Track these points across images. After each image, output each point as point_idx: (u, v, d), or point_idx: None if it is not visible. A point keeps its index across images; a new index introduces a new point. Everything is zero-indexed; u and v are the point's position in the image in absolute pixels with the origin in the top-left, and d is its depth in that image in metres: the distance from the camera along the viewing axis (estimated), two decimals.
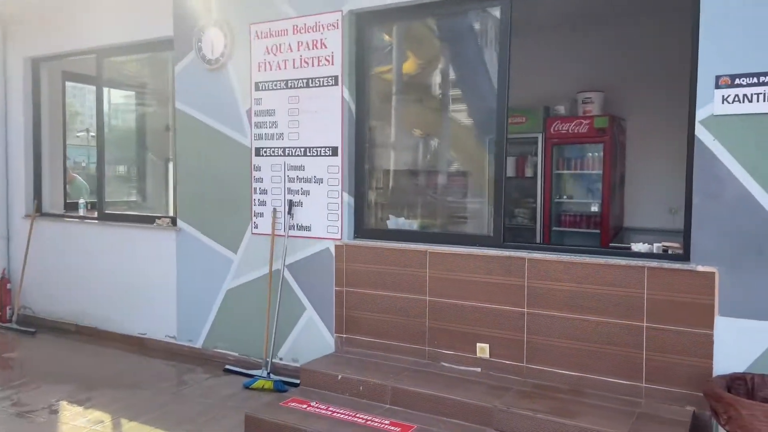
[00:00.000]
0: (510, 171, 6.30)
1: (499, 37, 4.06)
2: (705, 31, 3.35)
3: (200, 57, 5.20)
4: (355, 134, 4.63)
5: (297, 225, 4.83)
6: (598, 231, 6.10)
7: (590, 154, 6.20)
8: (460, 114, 5.04)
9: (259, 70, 4.95)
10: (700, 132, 3.38)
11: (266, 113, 4.93)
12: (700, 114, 3.38)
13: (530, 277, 3.88)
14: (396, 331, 4.40)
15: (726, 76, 3.29)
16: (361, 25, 4.59)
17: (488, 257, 4.03)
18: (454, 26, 4.62)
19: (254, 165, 5.01)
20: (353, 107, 4.61)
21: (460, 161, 4.86)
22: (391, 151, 5.08)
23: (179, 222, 5.47)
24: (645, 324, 3.55)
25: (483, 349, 4.06)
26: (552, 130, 6.27)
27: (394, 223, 4.79)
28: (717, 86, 3.31)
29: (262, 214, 5.00)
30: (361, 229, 4.67)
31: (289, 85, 4.80)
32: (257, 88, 4.97)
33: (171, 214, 5.73)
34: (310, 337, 4.79)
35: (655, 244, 3.74)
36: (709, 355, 3.39)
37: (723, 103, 3.30)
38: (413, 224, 4.73)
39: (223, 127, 5.16)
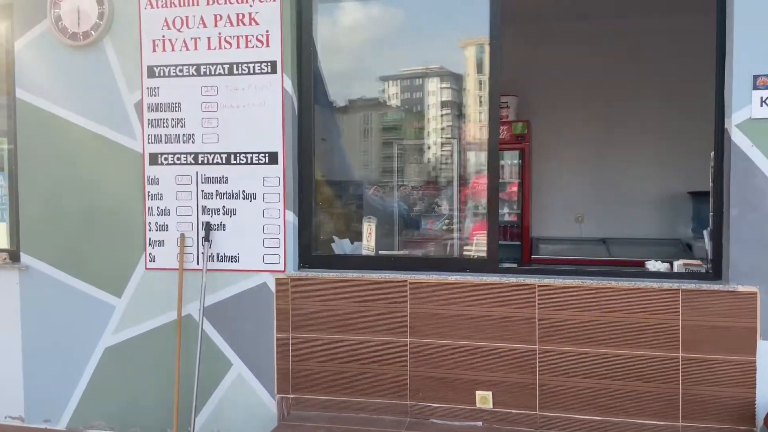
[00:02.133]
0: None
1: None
2: (740, 27, 3.04)
3: (58, 29, 3.76)
4: (300, 136, 3.63)
5: (218, 255, 3.66)
6: (518, 243, 5.76)
7: (508, 162, 5.86)
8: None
9: (154, 51, 3.69)
10: (737, 137, 3.07)
11: (167, 108, 3.69)
12: (736, 118, 3.06)
13: (542, 308, 3.27)
14: (365, 385, 3.49)
15: (765, 76, 3.01)
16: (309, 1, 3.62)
17: (486, 286, 3.34)
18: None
19: (149, 176, 3.73)
20: (296, 102, 3.61)
21: (437, 169, 4.10)
22: (346, 158, 4.14)
23: (24, 257, 3.92)
24: (680, 354, 3.14)
25: (484, 398, 3.35)
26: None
27: (342, 247, 3.87)
28: (755, 87, 3.03)
29: (161, 242, 3.73)
30: (309, 257, 3.67)
31: (203, 71, 3.64)
32: (152, 74, 3.70)
33: (8, 246, 4.11)
34: (240, 401, 3.65)
35: (675, 262, 3.37)
36: (752, 384, 3.07)
37: (762, 105, 3.02)
38: (370, 248, 3.86)
39: (97, 126, 3.78)
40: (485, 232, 3.47)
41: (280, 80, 3.55)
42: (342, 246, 3.87)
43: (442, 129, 4.53)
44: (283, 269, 3.59)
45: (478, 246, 3.64)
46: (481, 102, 4.34)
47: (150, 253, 3.75)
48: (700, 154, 3.90)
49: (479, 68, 4.01)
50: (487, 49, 3.41)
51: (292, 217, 3.59)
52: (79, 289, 3.85)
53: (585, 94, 6.31)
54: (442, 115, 4.52)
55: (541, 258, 5.55)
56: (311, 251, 3.69)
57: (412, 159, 3.90)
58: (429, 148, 4.35)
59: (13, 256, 3.99)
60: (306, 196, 3.65)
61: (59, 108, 3.83)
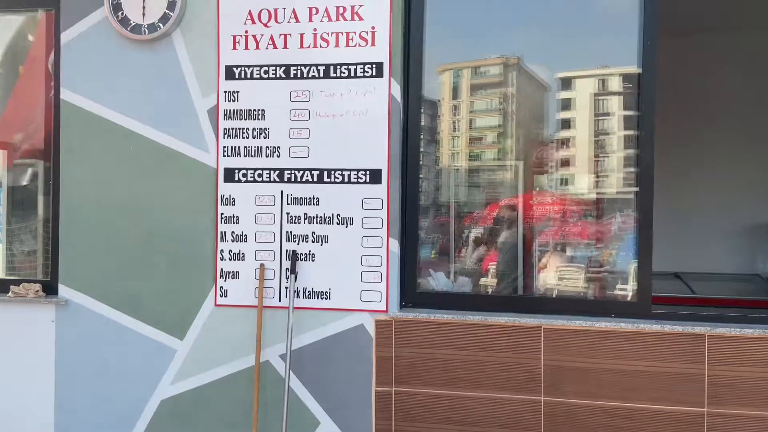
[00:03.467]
0: None
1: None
2: None
3: (118, 20, 3.19)
4: (408, 151, 3.08)
5: (304, 290, 3.07)
6: None
7: None
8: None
9: (235, 48, 3.13)
10: None
11: (248, 115, 3.12)
12: None
13: (713, 362, 2.72)
14: None
15: None
16: None
17: (639, 335, 2.78)
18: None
19: (223, 196, 3.14)
20: (404, 111, 3.06)
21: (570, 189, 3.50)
22: (449, 176, 3.57)
23: (63, 290, 3.28)
24: None
25: None
26: None
27: (438, 281, 3.28)
28: None
29: (235, 274, 3.12)
30: (413, 294, 3.09)
31: (293, 73, 3.08)
32: (230, 76, 3.14)
33: (43, 276, 3.47)
34: None
35: None
36: None
37: None
38: (489, 284, 3.28)
39: (161, 135, 3.20)
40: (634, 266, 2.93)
41: (387, 85, 3.01)
42: (438, 280, 3.29)
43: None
44: (384, 309, 3.00)
45: (622, 283, 3.09)
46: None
47: (221, 287, 3.14)
48: None
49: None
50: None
51: (396, 247, 3.02)
52: (131, 328, 3.21)
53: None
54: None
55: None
56: (416, 287, 3.10)
57: (538, 182, 3.37)
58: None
59: (49, 288, 3.35)
60: (411, 222, 3.09)
61: (114, 113, 3.24)
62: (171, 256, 3.19)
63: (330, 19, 3.05)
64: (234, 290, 3.13)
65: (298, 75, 3.08)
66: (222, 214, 3.14)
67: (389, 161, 3.01)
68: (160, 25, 3.16)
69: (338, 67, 3.05)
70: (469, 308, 3.01)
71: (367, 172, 3.03)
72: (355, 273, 3.03)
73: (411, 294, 3.08)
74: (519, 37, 3.41)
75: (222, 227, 3.14)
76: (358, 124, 3.03)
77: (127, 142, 3.23)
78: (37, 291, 3.34)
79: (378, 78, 3.02)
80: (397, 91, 3.02)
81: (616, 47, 3.13)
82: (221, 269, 3.14)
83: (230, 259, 3.13)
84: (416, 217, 3.10)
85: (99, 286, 3.25)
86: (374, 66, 3.02)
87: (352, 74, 3.04)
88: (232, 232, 3.13)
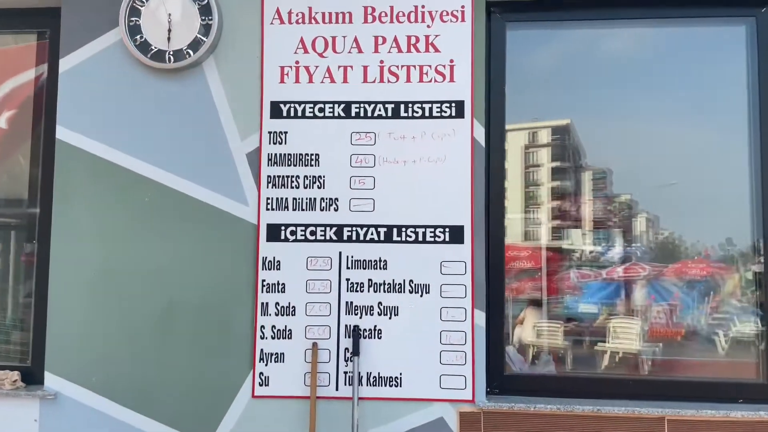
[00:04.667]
0: None
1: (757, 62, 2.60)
2: None
3: (135, 45, 2.63)
4: (493, 204, 2.60)
5: (368, 376, 2.48)
6: None
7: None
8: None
9: (282, 81, 2.61)
10: None
11: (298, 160, 2.58)
12: None
13: None
14: None
15: None
16: (500, 23, 2.69)
17: None
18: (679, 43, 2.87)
19: (265, 258, 2.55)
20: (488, 156, 2.60)
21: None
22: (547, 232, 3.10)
23: (50, 379, 2.56)
24: None
25: None
26: None
27: (518, 360, 2.76)
28: None
29: (279, 357, 2.51)
30: (500, 378, 2.55)
31: (355, 111, 2.59)
32: (277, 114, 2.61)
33: (21, 362, 2.73)
34: None
35: None
36: None
37: None
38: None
39: (187, 184, 2.61)
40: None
41: (469, 127, 2.55)
42: (512, 359, 2.76)
43: None
44: (470, 398, 2.44)
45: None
46: None
47: (261, 374, 2.50)
48: None
49: None
50: None
51: (482, 320, 2.49)
52: (141, 430, 2.51)
53: None
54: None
55: None
56: (503, 369, 2.57)
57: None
58: None
59: (31, 376, 2.62)
60: (497, 289, 2.58)
61: (125, 156, 2.63)
62: (195, 334, 2.54)
63: (400, 50, 2.59)
64: (278, 377, 2.50)
65: (361, 114, 2.58)
66: (263, 280, 2.54)
67: (473, 217, 2.52)
68: (190, 52, 2.61)
69: (410, 105, 2.57)
70: (573, 394, 2.49)
71: (447, 230, 2.52)
72: (432, 353, 2.48)
73: (497, 377, 2.54)
74: None
75: (263, 297, 2.53)
76: (434, 172, 2.54)
77: (142, 191, 2.61)
78: (15, 381, 2.59)
79: (458, 119, 2.56)
80: (480, 135, 2.56)
81: None
82: (261, 350, 2.51)
83: (273, 338, 2.52)
84: (502, 282, 2.60)
85: (98, 375, 2.55)
86: (454, 105, 2.56)
87: (426, 114, 2.57)
88: (277, 304, 2.53)
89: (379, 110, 2.58)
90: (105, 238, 2.61)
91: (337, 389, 2.48)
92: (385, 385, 2.48)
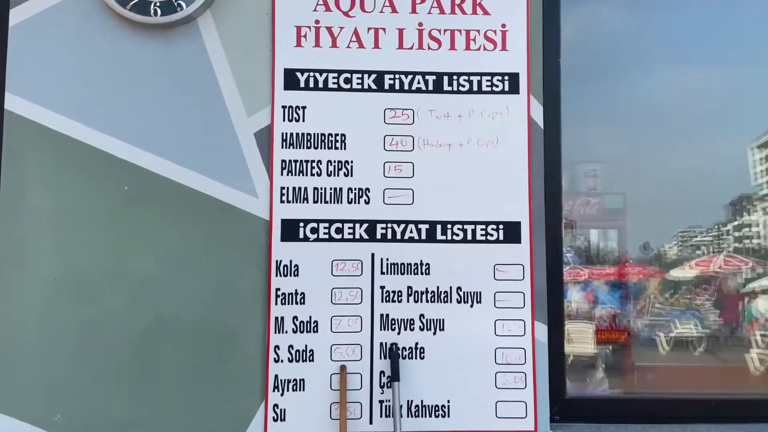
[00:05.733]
0: None
1: None
2: None
3: None
4: (549, 198, 2.20)
5: (410, 405, 2.03)
6: None
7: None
8: None
9: (299, 45, 2.13)
10: None
11: (320, 142, 2.11)
12: None
13: None
14: None
15: None
16: None
17: None
18: None
19: (278, 262, 2.05)
20: (546, 139, 2.20)
21: None
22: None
23: None
24: None
25: None
26: None
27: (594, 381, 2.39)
28: None
29: (298, 384, 2.02)
30: (563, 402, 2.15)
31: (388, 83, 2.13)
32: (292, 84, 2.12)
33: None
34: None
35: None
36: None
37: None
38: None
39: (178, 169, 2.08)
40: None
41: (525, 105, 2.15)
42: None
43: None
44: (532, 428, 2.03)
45: None
46: None
47: (275, 406, 2.01)
48: None
49: None
50: None
51: (543, 335, 2.09)
52: None
53: None
54: None
55: None
56: (564, 392, 2.17)
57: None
58: None
59: None
60: (556, 297, 2.18)
61: (98, 134, 2.08)
62: (190, 359, 2.02)
63: (442, 11, 2.16)
64: (297, 410, 2.01)
65: (396, 87, 2.13)
66: (278, 289, 2.05)
67: (531, 211, 2.12)
68: (182, 3, 2.09)
69: (455, 77, 2.15)
70: (646, 419, 2.12)
71: (501, 227, 2.11)
72: (486, 376, 2.05)
73: (558, 402, 2.14)
74: None
75: (277, 310, 2.04)
76: (484, 157, 2.12)
77: (119, 179, 2.07)
78: None
79: (512, 95, 2.15)
80: (538, 114, 2.16)
81: None
82: (275, 377, 2.02)
83: (291, 361, 2.03)
84: (561, 289, 2.20)
85: (58, 414, 1.98)
86: (507, 78, 2.16)
87: (474, 88, 2.15)
88: (295, 318, 2.04)
89: (418, 83, 2.14)
90: (69, 238, 2.05)
91: (371, 422, 2.01)
92: (430, 416, 2.03)
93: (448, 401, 2.04)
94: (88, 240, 2.04)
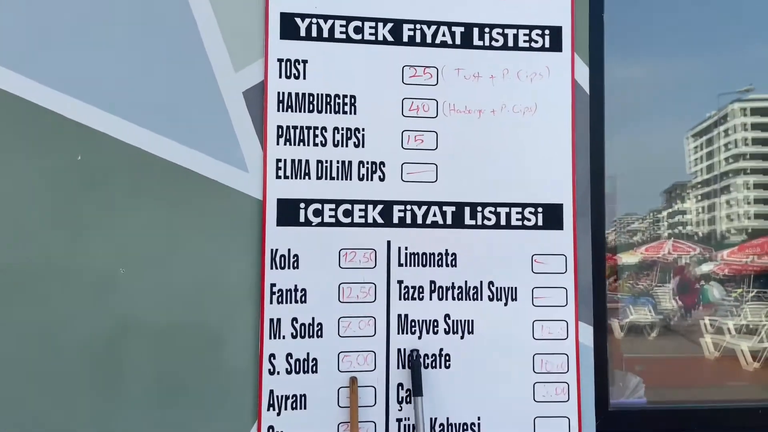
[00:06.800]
0: None
1: None
2: None
3: None
4: (597, 175, 1.87)
5: (435, 423, 1.69)
6: None
7: None
8: None
9: None
10: None
11: (324, 104, 1.72)
12: None
13: None
14: None
15: None
16: None
17: None
18: None
19: (273, 251, 1.67)
20: (592, 107, 1.86)
21: None
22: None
23: None
24: None
25: None
26: None
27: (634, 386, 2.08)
28: None
29: (298, 400, 1.65)
30: (606, 414, 1.84)
31: (407, 35, 1.76)
32: (290, 33, 1.72)
33: None
34: None
35: None
36: None
37: None
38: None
39: (148, 135, 1.67)
40: None
41: (569, 65, 1.81)
42: (629, 385, 2.09)
43: None
44: None
45: None
46: None
47: (271, 428, 1.64)
48: None
49: None
50: None
51: (589, 338, 1.77)
52: None
53: None
54: None
55: None
56: (607, 403, 1.86)
57: None
58: None
59: None
60: (600, 294, 1.86)
61: (48, 90, 1.65)
62: (164, 370, 1.63)
63: None
64: (295, 428, 1.65)
65: (417, 39, 1.76)
66: (273, 285, 1.67)
67: (574, 192, 1.79)
68: None
69: (486, 30, 1.79)
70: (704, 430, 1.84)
71: (540, 210, 1.77)
72: (523, 386, 1.73)
73: (601, 414, 1.83)
74: None
75: (273, 310, 1.66)
76: (521, 126, 1.78)
77: (72, 146, 1.65)
78: None
79: (554, 52, 1.81)
80: (583, 77, 1.82)
81: None
82: (271, 392, 1.65)
83: (290, 372, 1.65)
84: (605, 284, 1.88)
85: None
86: (548, 32, 1.81)
87: (510, 43, 1.79)
88: (294, 320, 1.67)
89: (443, 35, 1.77)
90: (10, 221, 1.62)
91: None
92: None
93: (479, 418, 1.71)
94: (30, 225, 1.62)
